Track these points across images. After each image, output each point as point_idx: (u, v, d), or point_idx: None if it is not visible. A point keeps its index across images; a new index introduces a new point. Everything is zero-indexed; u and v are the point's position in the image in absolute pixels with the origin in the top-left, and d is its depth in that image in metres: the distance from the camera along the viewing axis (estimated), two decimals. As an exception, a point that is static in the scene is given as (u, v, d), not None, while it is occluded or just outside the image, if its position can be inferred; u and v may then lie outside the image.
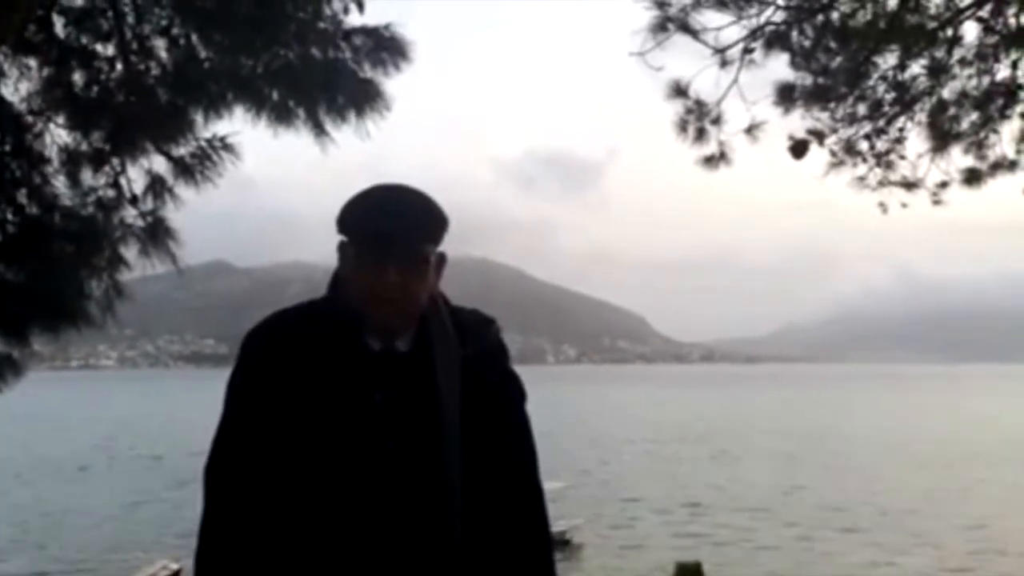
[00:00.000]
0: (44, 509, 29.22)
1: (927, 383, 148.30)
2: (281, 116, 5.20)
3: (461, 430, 1.74)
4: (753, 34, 6.60)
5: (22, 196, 5.12)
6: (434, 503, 1.71)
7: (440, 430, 1.73)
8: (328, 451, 1.69)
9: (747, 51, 6.63)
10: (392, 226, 1.71)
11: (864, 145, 7.33)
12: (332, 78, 5.10)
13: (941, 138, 7.19)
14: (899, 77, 7.08)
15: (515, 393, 1.90)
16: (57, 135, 5.30)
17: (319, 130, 5.23)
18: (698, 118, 6.95)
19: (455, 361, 1.78)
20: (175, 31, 5.21)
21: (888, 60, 6.99)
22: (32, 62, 5.14)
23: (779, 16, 6.70)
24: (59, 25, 5.13)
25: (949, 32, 6.76)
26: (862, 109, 7.28)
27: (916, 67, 7.03)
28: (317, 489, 1.69)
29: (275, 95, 5.17)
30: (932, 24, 6.67)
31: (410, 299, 1.74)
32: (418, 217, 1.75)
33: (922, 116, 7.22)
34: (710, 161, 7.10)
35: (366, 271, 1.73)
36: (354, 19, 5.14)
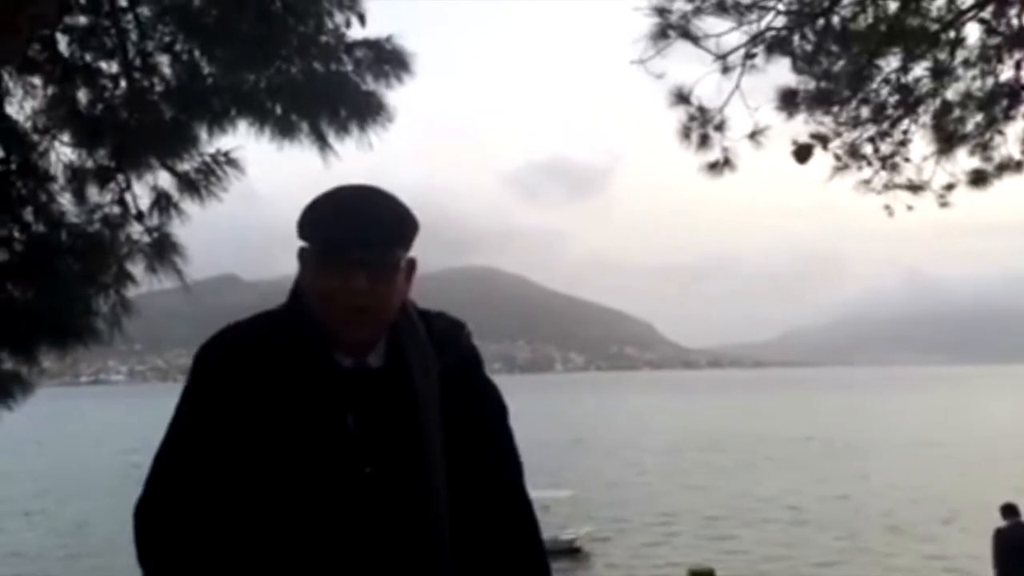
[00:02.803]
0: (75, 522, 29.41)
1: (937, 385, 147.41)
2: (284, 130, 5.20)
3: (444, 448, 1.61)
4: (754, 39, 6.61)
5: (28, 214, 5.13)
6: (420, 530, 1.57)
7: (422, 451, 1.59)
8: (298, 482, 1.53)
9: (749, 56, 6.63)
10: (358, 228, 1.55)
11: (868, 148, 7.32)
12: (334, 91, 5.10)
13: (946, 140, 7.17)
14: (902, 80, 7.07)
15: (495, 403, 1.76)
16: (62, 153, 5.32)
17: (322, 143, 5.23)
18: (701, 124, 6.95)
19: (432, 375, 1.64)
20: (178, 47, 5.22)
21: (891, 63, 6.99)
22: (37, 80, 5.16)
23: (780, 21, 6.71)
24: (63, 43, 5.15)
25: (951, 34, 6.75)
26: (865, 112, 7.27)
27: (919, 69, 7.02)
28: (287, 524, 1.53)
29: (278, 109, 5.17)
30: (934, 26, 6.66)
31: (379, 308, 1.59)
32: (387, 220, 1.60)
33: (926, 118, 7.21)
34: (714, 167, 7.09)
35: (330, 278, 1.57)
36: (356, 32, 5.16)
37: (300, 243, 1.65)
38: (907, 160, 7.32)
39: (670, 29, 6.49)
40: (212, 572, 1.53)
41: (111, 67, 5.27)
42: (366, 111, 5.17)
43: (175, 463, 1.58)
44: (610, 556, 23.29)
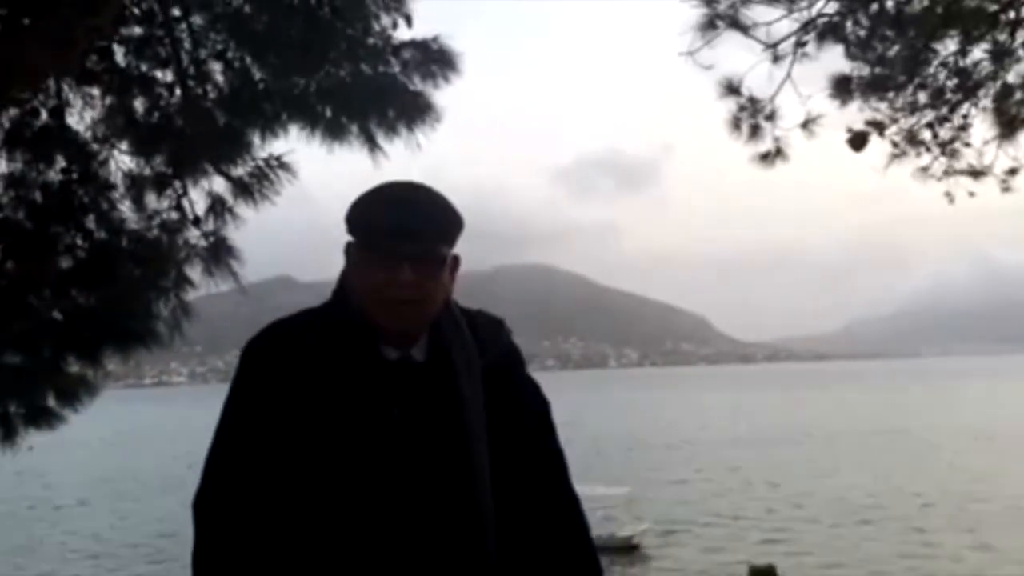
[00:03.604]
0: (155, 519, 30.20)
1: (1008, 375, 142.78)
2: (334, 132, 5.27)
3: (488, 443, 1.63)
4: (805, 27, 6.50)
5: (90, 221, 5.28)
6: (465, 522, 1.59)
7: (467, 444, 1.61)
8: (344, 472, 1.56)
9: (800, 44, 6.52)
10: (405, 223, 1.59)
11: (927, 134, 7.14)
12: (383, 93, 5.15)
13: (1008, 124, 6.96)
14: (960, 63, 6.88)
15: (537, 400, 1.78)
16: (121, 161, 5.45)
17: (372, 144, 5.29)
18: (752, 115, 6.86)
19: (476, 371, 1.67)
20: (230, 55, 5.32)
21: (948, 46, 6.81)
22: (95, 91, 5.29)
23: (832, 7, 6.59)
24: (120, 54, 5.28)
25: (1011, 14, 6.55)
26: (923, 97, 7.09)
27: (978, 52, 6.83)
28: (335, 515, 1.56)
29: (328, 112, 5.24)
30: (993, 7, 6.47)
31: (424, 301, 1.62)
32: (433, 214, 1.63)
33: (987, 102, 7.01)
34: (766, 158, 6.99)
35: (376, 271, 1.60)
36: (402, 33, 5.20)
37: (347, 238, 1.69)
38: (967, 145, 7.13)
39: (718, 19, 6.41)
40: (265, 562, 1.57)
41: (166, 76, 5.38)
42: (414, 112, 5.22)
43: (228, 456, 1.62)
44: (669, 553, 23.11)
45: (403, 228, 1.59)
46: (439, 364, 1.65)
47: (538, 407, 1.77)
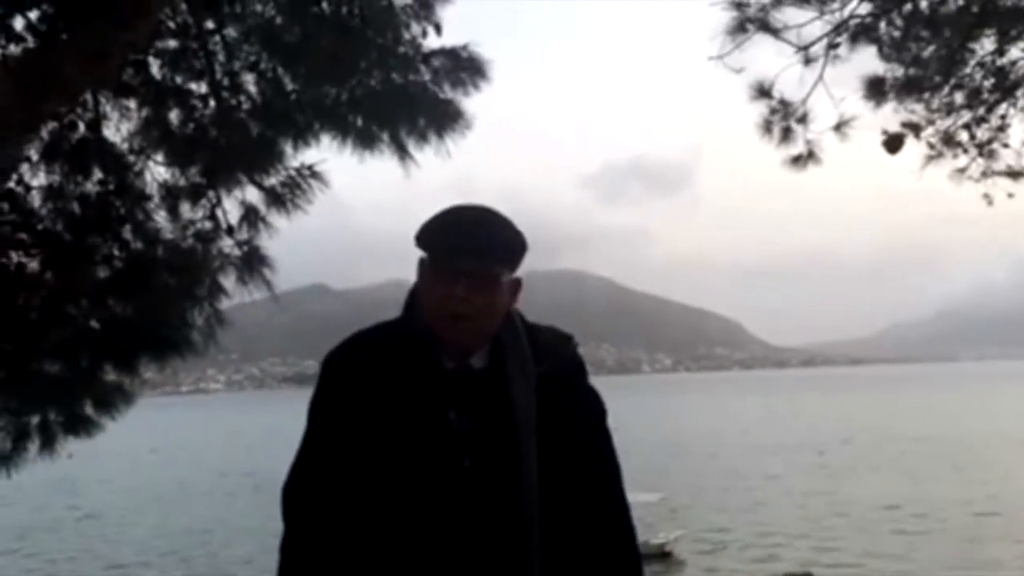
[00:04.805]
0: (190, 528, 30.43)
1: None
2: (365, 141, 5.31)
3: (539, 448, 1.73)
4: (837, 29, 6.43)
5: (127, 232, 5.35)
6: (512, 521, 1.69)
7: (516, 448, 1.72)
8: (403, 470, 1.70)
9: (832, 46, 6.45)
10: (464, 242, 1.73)
11: (964, 135, 7.04)
12: (413, 101, 5.18)
13: (1047, 124, 6.84)
14: (998, 62, 6.78)
15: (594, 409, 1.88)
16: (157, 172, 5.53)
17: (402, 153, 5.32)
18: (783, 118, 6.80)
19: (530, 379, 1.77)
20: (262, 66, 5.38)
21: (985, 45, 6.71)
22: (131, 103, 5.37)
23: (864, 8, 6.51)
24: (155, 67, 5.36)
25: (1049, 12, 6.44)
26: (960, 98, 6.99)
27: (1015, 51, 6.73)
28: (394, 508, 1.70)
29: (359, 121, 5.28)
30: (1030, 5, 6.37)
31: (477, 316, 1.74)
32: (491, 236, 1.77)
33: (1025, 101, 6.89)
34: (798, 161, 6.92)
35: (437, 286, 1.75)
36: (432, 41, 5.23)
37: (420, 253, 1.83)
38: (1006, 146, 7.02)
39: (748, 22, 6.37)
40: (343, 543, 1.72)
41: (200, 88, 5.45)
42: (444, 120, 5.24)
43: (310, 453, 1.80)
44: (703, 561, 22.88)
45: (461, 247, 1.72)
46: (495, 373, 1.77)
47: (593, 413, 1.87)
